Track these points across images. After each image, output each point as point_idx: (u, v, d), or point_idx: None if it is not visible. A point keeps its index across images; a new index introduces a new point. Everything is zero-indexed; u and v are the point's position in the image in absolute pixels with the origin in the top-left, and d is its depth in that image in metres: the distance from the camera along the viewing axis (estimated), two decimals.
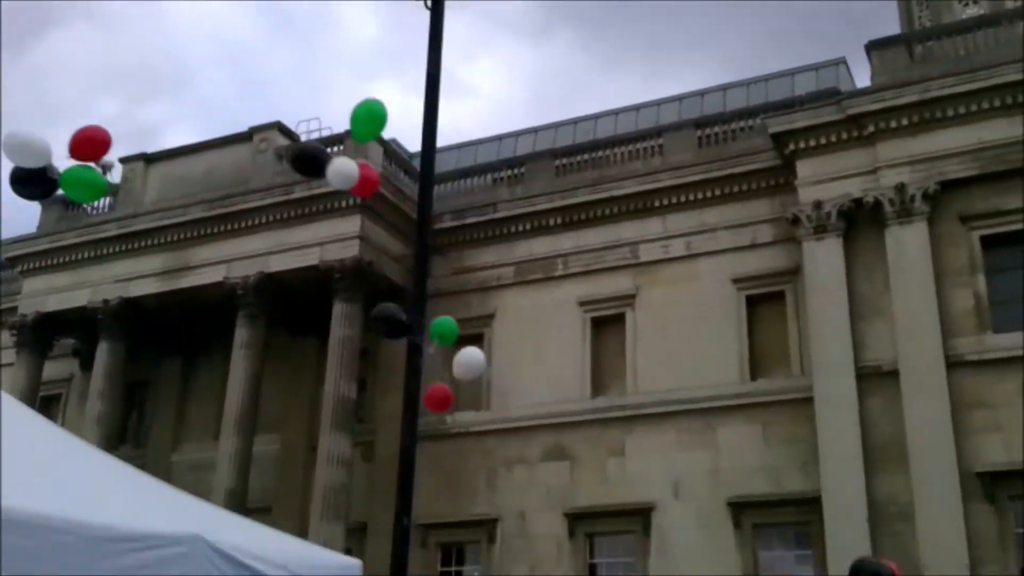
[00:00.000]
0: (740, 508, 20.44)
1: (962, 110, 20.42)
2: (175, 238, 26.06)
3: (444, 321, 7.98)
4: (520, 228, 25.38)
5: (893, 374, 19.35)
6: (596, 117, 30.92)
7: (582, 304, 23.95)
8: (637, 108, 30.53)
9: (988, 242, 20.11)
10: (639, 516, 21.15)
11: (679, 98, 30.18)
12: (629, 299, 23.51)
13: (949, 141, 20.44)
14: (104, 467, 6.37)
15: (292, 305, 25.54)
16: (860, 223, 21.03)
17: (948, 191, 20.29)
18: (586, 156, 25.85)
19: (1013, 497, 18.01)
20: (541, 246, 25.03)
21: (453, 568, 22.90)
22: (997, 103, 20.11)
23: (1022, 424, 18.17)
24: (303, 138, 27.45)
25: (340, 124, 25.50)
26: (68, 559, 4.52)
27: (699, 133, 24.61)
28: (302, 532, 19.95)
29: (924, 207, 20.25)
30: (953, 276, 19.93)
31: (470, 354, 7.99)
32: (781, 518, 20.17)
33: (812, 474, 19.63)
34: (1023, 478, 17.89)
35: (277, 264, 24.75)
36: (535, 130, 31.42)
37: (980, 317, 19.57)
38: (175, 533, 4.96)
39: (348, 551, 20.55)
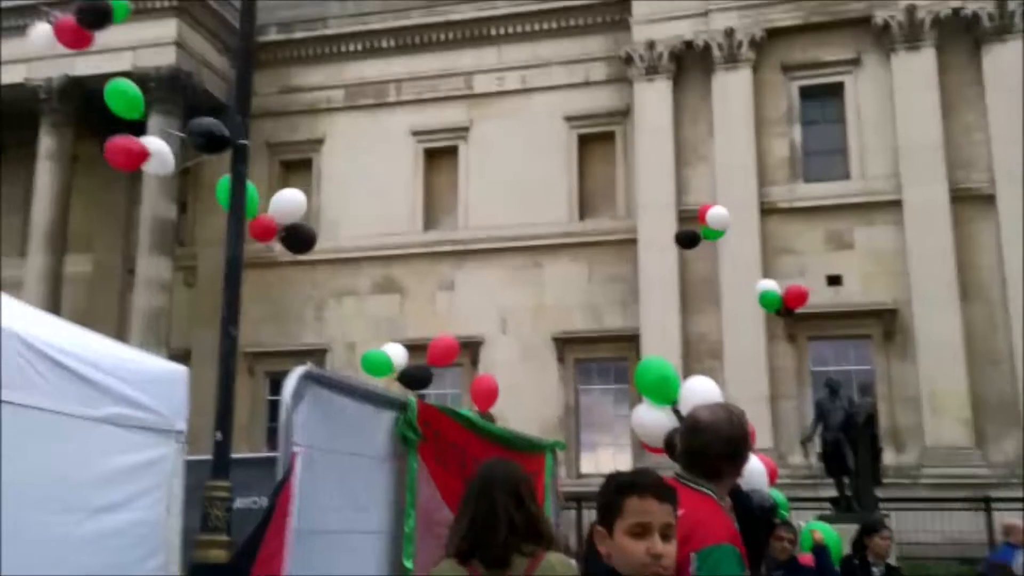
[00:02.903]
0: (563, 343, 21.29)
1: None
2: None
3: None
4: (351, 48, 24.35)
5: None
6: None
7: (415, 134, 23.51)
8: None
9: (806, 92, 20.89)
10: (467, 349, 21.61)
11: None
12: (462, 131, 23.27)
13: None
14: None
15: (102, 114, 23.67)
16: (689, 66, 21.37)
17: (773, 39, 20.84)
18: None
19: (812, 337, 19.58)
20: (373, 69, 24.17)
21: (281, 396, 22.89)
22: None
23: (823, 270, 19.57)
24: None
25: None
26: None
27: None
28: None
29: (750, 53, 20.73)
30: (772, 125, 20.75)
31: (289, 197, 7.63)
32: (601, 353, 21.16)
33: (632, 312, 20.60)
34: (821, 320, 19.39)
35: (84, 67, 22.65)
36: None
37: (793, 166, 20.55)
38: None
39: None
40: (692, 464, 3.27)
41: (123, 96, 6.06)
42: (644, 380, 4.98)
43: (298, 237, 7.32)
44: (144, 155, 6.56)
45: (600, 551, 2.59)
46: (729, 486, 3.37)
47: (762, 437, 17.64)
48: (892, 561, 7.41)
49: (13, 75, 23.01)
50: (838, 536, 7.74)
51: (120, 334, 22.24)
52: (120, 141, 6.34)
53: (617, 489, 2.60)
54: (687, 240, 10.86)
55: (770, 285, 9.95)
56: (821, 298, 19.49)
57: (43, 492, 4.59)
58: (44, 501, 4.62)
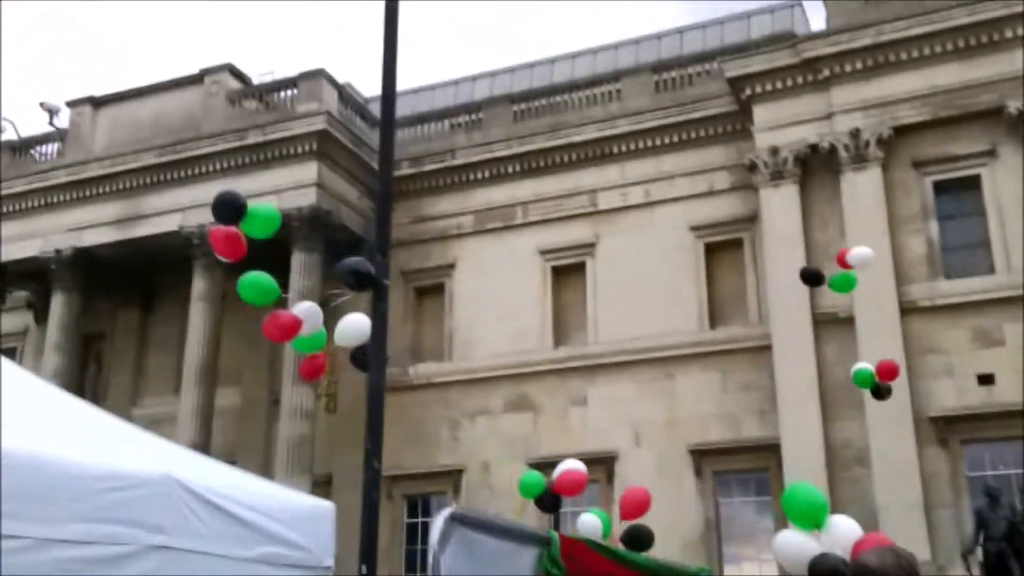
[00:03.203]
0: (700, 455, 20.86)
1: (915, 54, 20.54)
2: (127, 185, 25.54)
3: None
4: (479, 175, 25.23)
5: (849, 320, 19.69)
6: (553, 61, 30.55)
7: (542, 253, 23.97)
8: (594, 51, 30.20)
9: (940, 188, 20.39)
10: (602, 465, 21.46)
11: (636, 41, 29.89)
12: (589, 247, 23.59)
13: (902, 85, 20.59)
14: (72, 407, 6.20)
15: (250, 255, 25.09)
16: (816, 169, 21.22)
17: (901, 136, 20.49)
18: (544, 101, 25.65)
19: (965, 441, 18.58)
20: (500, 194, 24.92)
21: (420, 519, 23.12)
22: (949, 47, 20.23)
23: (973, 369, 18.69)
24: (255, 81, 26.90)
25: (294, 67, 24.89)
26: (41, 495, 4.36)
27: (656, 78, 24.51)
28: None
29: (878, 152, 20.44)
30: (906, 222, 20.24)
31: (352, 321, 7.84)
32: (740, 465, 20.63)
33: (770, 421, 20.08)
34: (973, 422, 18.46)
35: None
36: (492, 74, 30.97)
37: (932, 263, 19.93)
38: (146, 472, 4.82)
39: None
40: None
41: (256, 288, 6.69)
42: (792, 505, 4.93)
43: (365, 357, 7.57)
44: (297, 326, 7.03)
45: None
46: None
47: (919, 548, 16.74)
48: None
49: (168, 224, 24.82)
50: None
51: (266, 462, 23.13)
52: (274, 320, 6.89)
53: None
54: (811, 278, 10.91)
55: (863, 364, 10.17)
56: (973, 399, 18.64)
57: None
58: None
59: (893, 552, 3.54)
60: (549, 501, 8.55)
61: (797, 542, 4.75)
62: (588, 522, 8.33)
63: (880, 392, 9.97)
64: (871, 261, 10.28)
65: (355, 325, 7.86)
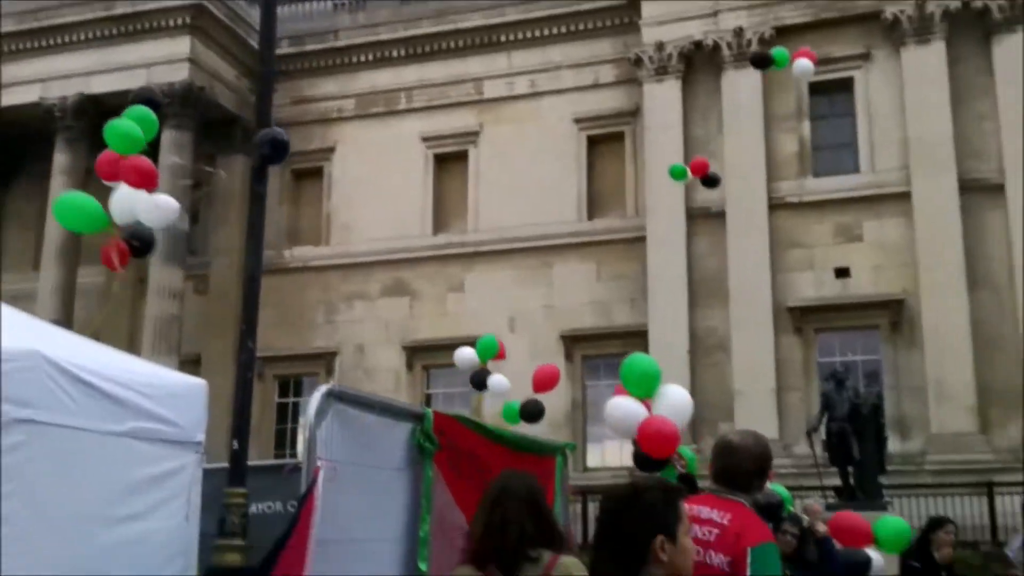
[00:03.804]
0: (572, 341, 21.42)
1: None
2: None
3: None
4: (362, 58, 24.55)
5: (720, 215, 20.30)
6: None
7: (425, 140, 23.67)
8: None
9: (815, 88, 20.85)
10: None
11: None
12: (472, 136, 23.41)
13: None
14: None
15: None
16: (699, 66, 21.44)
17: (783, 36, 20.57)
18: None
19: (819, 329, 19.69)
20: (384, 78, 24.34)
21: (291, 399, 23.14)
22: None
23: (832, 263, 19.65)
24: None
25: None
26: None
27: None
28: None
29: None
30: (781, 121, 20.78)
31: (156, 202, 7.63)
32: (609, 349, 21.19)
33: (640, 309, 20.73)
34: (828, 312, 19.53)
35: (99, 85, 23.09)
36: None
37: (803, 161, 20.61)
38: (11, 347, 4.65)
39: None
40: (727, 480, 3.83)
41: (76, 212, 6.22)
42: (628, 373, 5.24)
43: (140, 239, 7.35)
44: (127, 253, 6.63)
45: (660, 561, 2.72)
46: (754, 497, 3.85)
47: (768, 428, 17.83)
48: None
49: (28, 95, 23.36)
50: (790, 495, 7.61)
51: (132, 342, 22.54)
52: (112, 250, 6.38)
53: (674, 498, 2.86)
54: (761, 61, 11.30)
55: (677, 162, 11.64)
56: (830, 291, 19.67)
57: (71, 505, 4.76)
58: (72, 513, 4.80)
59: (751, 433, 4.01)
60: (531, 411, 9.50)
61: (626, 407, 5.02)
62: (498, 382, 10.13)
63: (711, 180, 11.38)
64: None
65: (163, 206, 7.61)
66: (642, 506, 2.62)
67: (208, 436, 6.32)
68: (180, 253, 22.30)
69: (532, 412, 9.74)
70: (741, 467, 3.82)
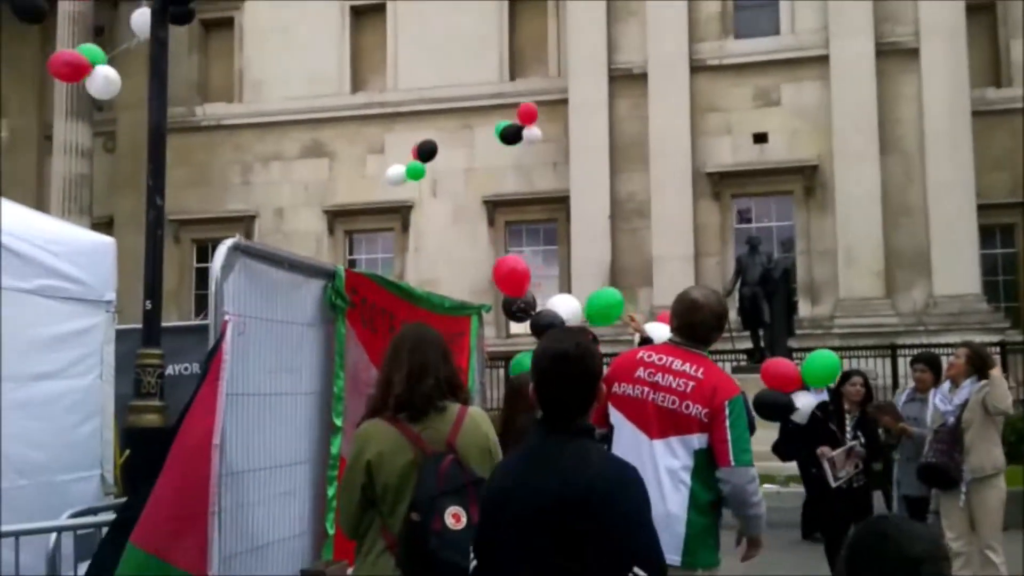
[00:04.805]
0: (494, 206, 21.33)
1: None
2: None
3: None
4: None
5: (643, 76, 20.14)
6: None
7: None
8: None
9: None
10: (398, 213, 21.60)
11: None
12: None
13: None
14: None
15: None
16: None
17: None
18: None
19: (736, 195, 19.96)
20: None
21: (209, 264, 22.59)
22: None
23: (750, 128, 19.78)
24: None
25: None
26: None
27: None
28: None
29: None
30: None
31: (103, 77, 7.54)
32: (531, 216, 21.29)
33: (562, 173, 20.65)
34: (745, 177, 19.77)
35: None
36: None
37: (724, 22, 20.40)
38: None
39: None
40: (690, 334, 4.11)
41: None
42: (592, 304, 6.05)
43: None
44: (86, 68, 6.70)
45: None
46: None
47: None
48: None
49: None
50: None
51: (39, 201, 21.78)
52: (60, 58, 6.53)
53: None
54: (427, 153, 11.23)
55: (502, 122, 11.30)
56: (747, 156, 19.85)
57: None
58: None
59: (711, 291, 4.39)
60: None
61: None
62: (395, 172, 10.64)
63: (510, 136, 10.82)
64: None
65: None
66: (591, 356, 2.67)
67: (123, 298, 6.25)
68: (86, 108, 21.35)
69: (427, 150, 11.07)
70: (705, 323, 4.10)
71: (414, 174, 11.21)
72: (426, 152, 11.11)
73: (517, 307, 6.27)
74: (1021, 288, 19.48)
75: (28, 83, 23.41)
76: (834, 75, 19.23)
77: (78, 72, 7.25)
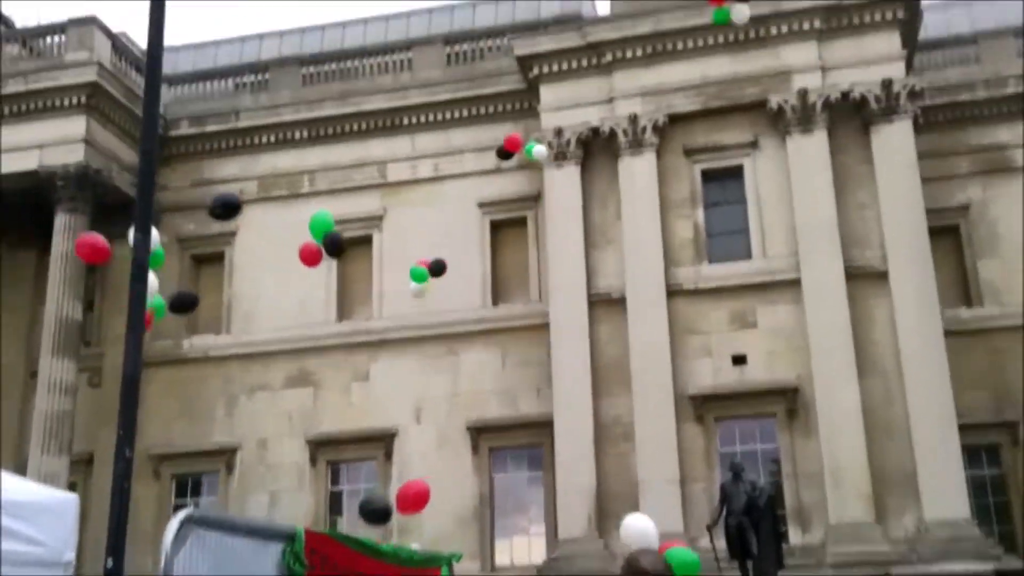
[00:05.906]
0: (478, 432, 21.22)
1: (690, 44, 21.45)
2: None
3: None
4: (264, 140, 24.46)
5: (621, 301, 20.56)
6: (344, 25, 29.79)
7: None
8: (387, 19, 29.69)
9: (707, 175, 21.49)
10: (381, 442, 21.46)
11: (429, 11, 29.69)
12: (376, 220, 23.37)
13: (677, 74, 21.52)
14: None
15: (7, 214, 23.35)
16: (597, 151, 21.82)
17: (675, 124, 21.40)
18: (334, 66, 25.25)
19: (719, 418, 19.85)
20: (286, 160, 24.28)
21: (189, 499, 22.11)
22: (721, 39, 21.12)
23: (728, 350, 19.96)
24: (17, 24, 24.98)
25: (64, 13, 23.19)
26: None
27: (448, 50, 24.60)
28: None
29: (653, 138, 21.25)
30: (677, 207, 21.21)
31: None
32: (516, 441, 21.15)
33: (546, 397, 20.67)
34: (726, 400, 19.77)
35: None
36: (280, 34, 29.93)
37: (698, 247, 21.02)
38: None
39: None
40: None
41: None
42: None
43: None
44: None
45: None
46: None
47: (673, 521, 17.83)
48: None
49: None
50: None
51: (20, 438, 21.59)
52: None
53: None
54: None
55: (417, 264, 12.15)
56: (727, 378, 19.90)
57: None
58: None
59: (656, 554, 4.36)
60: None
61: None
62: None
63: (437, 270, 11.74)
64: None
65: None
66: None
67: (97, 543, 6.09)
68: (73, 344, 21.56)
69: (438, 268, 11.57)
70: None
71: (418, 277, 11.83)
72: (436, 269, 11.74)
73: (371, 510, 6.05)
74: (1014, 510, 19.06)
75: (18, 322, 23.64)
76: (807, 298, 19.55)
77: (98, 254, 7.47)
